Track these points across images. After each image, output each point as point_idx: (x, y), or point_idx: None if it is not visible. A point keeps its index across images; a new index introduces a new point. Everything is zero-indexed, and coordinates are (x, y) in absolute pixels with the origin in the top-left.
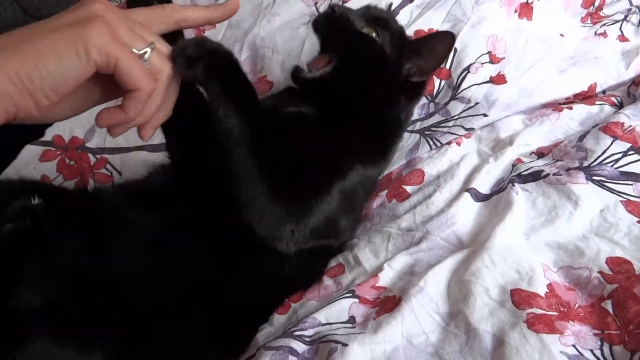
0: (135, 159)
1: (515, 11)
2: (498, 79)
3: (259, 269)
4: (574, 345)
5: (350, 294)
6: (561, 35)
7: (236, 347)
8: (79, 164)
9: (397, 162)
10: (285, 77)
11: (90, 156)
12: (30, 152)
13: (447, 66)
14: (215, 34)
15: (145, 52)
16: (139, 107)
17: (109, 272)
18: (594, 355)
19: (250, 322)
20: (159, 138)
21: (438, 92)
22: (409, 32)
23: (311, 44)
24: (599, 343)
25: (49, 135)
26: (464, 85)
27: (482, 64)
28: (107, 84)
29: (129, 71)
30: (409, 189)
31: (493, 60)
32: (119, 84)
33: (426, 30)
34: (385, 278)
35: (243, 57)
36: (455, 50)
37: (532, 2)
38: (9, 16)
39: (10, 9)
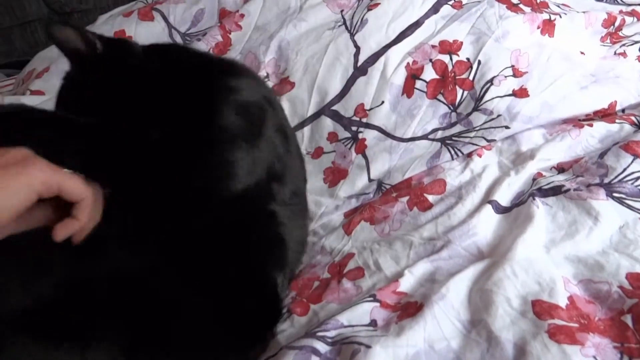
0: None
1: (538, 27)
2: (521, 93)
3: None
4: (594, 357)
5: (371, 298)
6: (582, 53)
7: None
8: None
9: (417, 169)
10: (307, 78)
11: None
12: None
13: (471, 77)
14: (242, 36)
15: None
16: (88, 211)
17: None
18: None
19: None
20: None
21: (460, 102)
22: (434, 42)
23: (335, 48)
24: (619, 356)
25: None
26: (486, 97)
27: (506, 77)
28: (34, 210)
29: (72, 187)
30: (430, 198)
31: (516, 73)
32: (66, 199)
33: (451, 41)
34: (406, 284)
35: (268, 59)
36: (479, 62)
37: (555, 19)
38: (33, 11)
39: (35, 5)
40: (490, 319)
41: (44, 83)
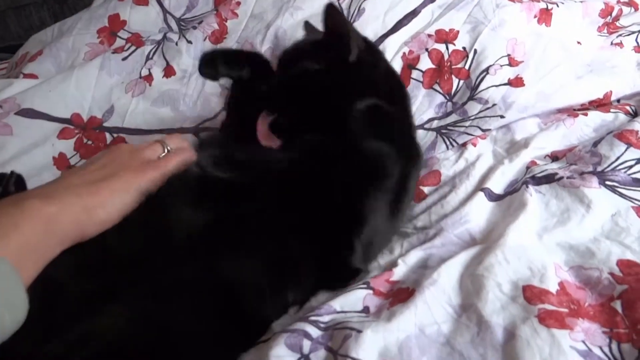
0: None
1: (535, 16)
2: (516, 82)
3: None
4: (583, 341)
5: (365, 285)
6: (578, 42)
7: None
8: (96, 143)
9: None
10: None
11: (107, 135)
12: (49, 128)
13: (467, 67)
14: (238, 25)
15: (165, 151)
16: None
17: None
18: (603, 351)
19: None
20: (179, 123)
21: (456, 92)
22: (430, 31)
23: None
24: (608, 340)
25: (67, 113)
26: (482, 86)
27: (501, 66)
28: None
29: (167, 172)
30: (425, 189)
31: (512, 63)
32: None
33: (447, 30)
34: (400, 273)
35: (264, 48)
36: (475, 52)
37: (552, 8)
38: None
39: None
40: (480, 303)
41: (37, 66)
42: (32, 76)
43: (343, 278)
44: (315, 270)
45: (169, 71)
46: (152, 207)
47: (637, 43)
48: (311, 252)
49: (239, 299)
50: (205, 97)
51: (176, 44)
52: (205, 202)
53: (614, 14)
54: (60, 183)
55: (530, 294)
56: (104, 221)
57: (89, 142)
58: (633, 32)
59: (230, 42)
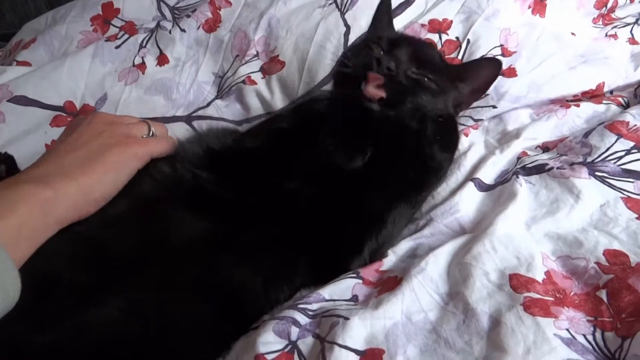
0: None
1: (529, 7)
2: (509, 72)
3: None
4: (567, 329)
5: (354, 275)
6: (572, 34)
7: None
8: None
9: None
10: (297, 58)
11: None
12: (42, 116)
13: (459, 56)
14: (231, 13)
15: (150, 133)
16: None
17: None
18: (587, 339)
19: None
20: (172, 111)
21: None
22: (423, 21)
23: (325, 27)
24: (592, 329)
25: (60, 100)
26: None
27: (494, 56)
28: None
29: (160, 150)
30: None
31: (505, 53)
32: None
33: (440, 20)
34: (389, 263)
35: (257, 37)
36: (468, 42)
37: None
38: None
39: None
40: (467, 291)
41: (31, 54)
42: (26, 64)
43: (333, 276)
44: (310, 270)
45: (162, 59)
46: (149, 208)
47: (632, 35)
48: (310, 252)
49: (234, 295)
50: (198, 86)
51: (170, 32)
52: (204, 209)
53: (609, 5)
54: (51, 164)
55: (516, 282)
56: (100, 200)
57: None
58: (628, 24)
59: (224, 31)
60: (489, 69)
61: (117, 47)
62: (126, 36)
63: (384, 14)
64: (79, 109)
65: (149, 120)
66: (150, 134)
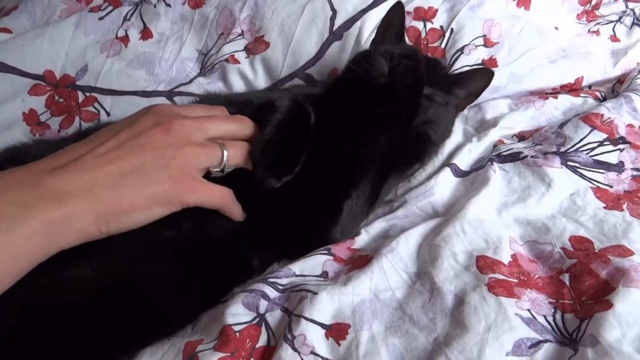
0: (127, 102)
1: None
2: (490, 63)
3: None
4: (528, 310)
5: (326, 252)
6: (556, 28)
7: None
8: (67, 101)
9: None
10: (282, 39)
11: (80, 94)
12: (20, 83)
13: (443, 45)
14: None
15: (222, 166)
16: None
17: None
18: (546, 320)
19: None
20: (153, 86)
21: None
22: (409, 8)
23: (311, 10)
24: (553, 310)
25: (40, 69)
26: (456, 66)
27: (476, 46)
28: None
29: (197, 204)
30: None
31: (487, 43)
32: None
33: (426, 8)
34: (361, 241)
35: (243, 16)
36: (452, 31)
37: None
38: None
39: None
40: (435, 271)
41: (12, 21)
42: (6, 30)
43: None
44: (284, 240)
45: (146, 33)
46: None
47: (614, 32)
48: (285, 221)
49: (207, 259)
50: (181, 61)
51: (154, 6)
52: None
53: (593, 2)
54: (74, 172)
55: (482, 263)
56: (112, 233)
57: (61, 100)
58: (611, 22)
59: (209, 8)
60: (482, 79)
61: (101, 18)
62: (110, 8)
63: (395, 19)
64: (59, 79)
65: (225, 142)
66: (221, 168)
